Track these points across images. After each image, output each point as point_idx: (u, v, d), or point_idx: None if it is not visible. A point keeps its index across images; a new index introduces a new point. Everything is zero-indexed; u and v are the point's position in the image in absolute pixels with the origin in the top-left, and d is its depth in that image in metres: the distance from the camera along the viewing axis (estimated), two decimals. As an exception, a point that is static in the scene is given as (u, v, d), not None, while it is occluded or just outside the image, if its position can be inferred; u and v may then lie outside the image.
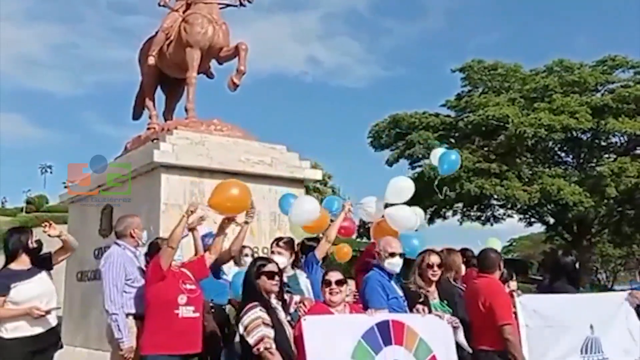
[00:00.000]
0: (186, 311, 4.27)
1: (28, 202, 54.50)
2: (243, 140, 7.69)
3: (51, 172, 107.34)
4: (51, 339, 4.46)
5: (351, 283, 5.02)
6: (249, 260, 5.71)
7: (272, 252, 4.71)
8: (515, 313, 4.60)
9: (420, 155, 28.10)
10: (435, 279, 4.59)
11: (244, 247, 5.77)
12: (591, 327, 4.84)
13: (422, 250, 4.80)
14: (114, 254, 4.73)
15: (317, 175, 8.11)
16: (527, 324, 4.61)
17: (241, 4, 8.32)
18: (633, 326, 5.06)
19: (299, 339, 3.55)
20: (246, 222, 4.89)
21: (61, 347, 4.66)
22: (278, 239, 4.92)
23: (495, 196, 25.38)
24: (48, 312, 4.31)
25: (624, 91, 24.86)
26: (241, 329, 3.56)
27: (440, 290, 4.63)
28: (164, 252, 4.26)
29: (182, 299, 4.27)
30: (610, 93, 25.83)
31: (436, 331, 4.07)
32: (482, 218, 29.66)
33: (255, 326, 3.50)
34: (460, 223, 29.85)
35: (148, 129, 8.47)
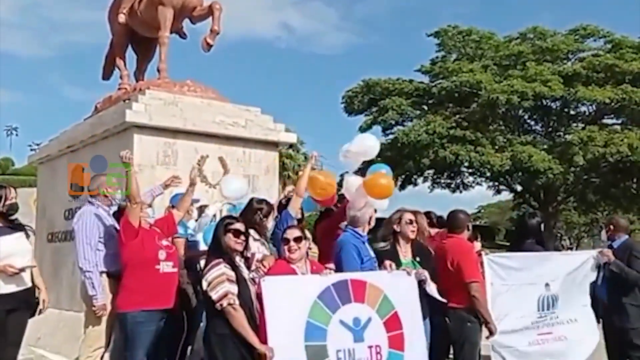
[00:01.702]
0: (166, 266, 4.32)
1: (-7, 165, 53.13)
2: (217, 101, 7.61)
3: (17, 135, 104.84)
4: (26, 299, 4.41)
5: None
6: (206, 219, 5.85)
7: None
8: (483, 271, 4.76)
9: (393, 122, 28.23)
10: (413, 236, 4.64)
11: (204, 206, 5.90)
12: (547, 285, 5.03)
13: (395, 211, 4.88)
14: (86, 212, 4.70)
15: (292, 138, 8.09)
16: (492, 282, 4.78)
17: None
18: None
19: (260, 298, 3.63)
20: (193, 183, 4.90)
21: (40, 312, 4.63)
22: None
23: (467, 163, 25.69)
24: (22, 269, 4.27)
25: (594, 59, 25.21)
26: (205, 284, 3.59)
27: (414, 249, 4.70)
28: (130, 210, 4.25)
29: (162, 254, 4.30)
30: (580, 61, 26.19)
31: (401, 287, 4.16)
32: (452, 185, 30.12)
33: (219, 282, 3.53)
34: (431, 190, 30.29)
35: (119, 88, 8.30)
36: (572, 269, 5.21)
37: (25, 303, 4.45)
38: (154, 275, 4.25)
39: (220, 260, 3.63)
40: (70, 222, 7.33)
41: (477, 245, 5.66)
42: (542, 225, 5.75)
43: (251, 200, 4.95)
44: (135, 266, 4.27)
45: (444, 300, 4.44)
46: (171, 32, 7.96)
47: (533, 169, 23.79)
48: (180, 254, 4.85)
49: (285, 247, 3.95)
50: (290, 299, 3.66)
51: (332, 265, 4.37)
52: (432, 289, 4.37)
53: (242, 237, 3.80)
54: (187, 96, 7.40)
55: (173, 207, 5.09)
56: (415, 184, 29.86)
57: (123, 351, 4.36)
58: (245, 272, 3.76)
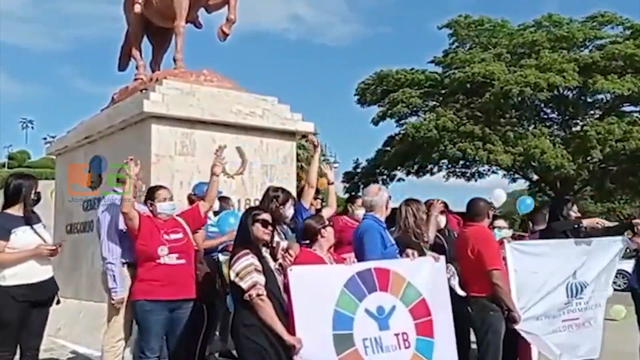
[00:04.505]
0: (169, 259, 4.34)
1: (10, 158, 53.75)
2: (234, 91, 7.57)
3: (32, 127, 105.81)
4: (49, 290, 4.36)
5: None
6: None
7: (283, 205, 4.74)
8: (504, 259, 4.70)
9: (406, 112, 28.05)
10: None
11: (225, 198, 5.85)
12: (574, 272, 4.96)
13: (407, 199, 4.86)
14: (112, 201, 4.67)
15: (309, 127, 7.97)
16: (516, 269, 4.71)
17: None
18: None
19: (287, 288, 3.62)
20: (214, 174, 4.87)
21: (58, 302, 4.65)
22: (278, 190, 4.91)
23: (478, 159, 25.41)
24: (60, 244, 4.26)
25: (612, 48, 24.62)
26: (232, 275, 3.57)
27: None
28: (121, 203, 4.33)
29: (162, 250, 4.33)
30: (598, 49, 25.68)
31: (427, 274, 4.13)
32: (467, 174, 29.90)
33: (247, 272, 3.51)
34: (446, 179, 30.13)
35: (135, 79, 8.29)
36: (600, 255, 5.13)
37: (49, 294, 4.39)
38: (156, 267, 4.32)
39: (248, 250, 3.62)
40: (89, 213, 7.39)
41: (505, 232, 5.63)
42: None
43: (268, 189, 4.94)
44: (141, 259, 4.39)
45: (464, 294, 4.46)
46: (186, 22, 7.94)
47: (545, 164, 23.45)
48: (200, 247, 4.84)
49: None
50: (317, 288, 3.65)
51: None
52: (454, 282, 4.36)
53: (270, 228, 3.79)
54: (204, 86, 7.37)
55: (195, 195, 5.06)
56: (432, 173, 29.69)
57: (139, 340, 4.41)
58: (271, 263, 3.74)
